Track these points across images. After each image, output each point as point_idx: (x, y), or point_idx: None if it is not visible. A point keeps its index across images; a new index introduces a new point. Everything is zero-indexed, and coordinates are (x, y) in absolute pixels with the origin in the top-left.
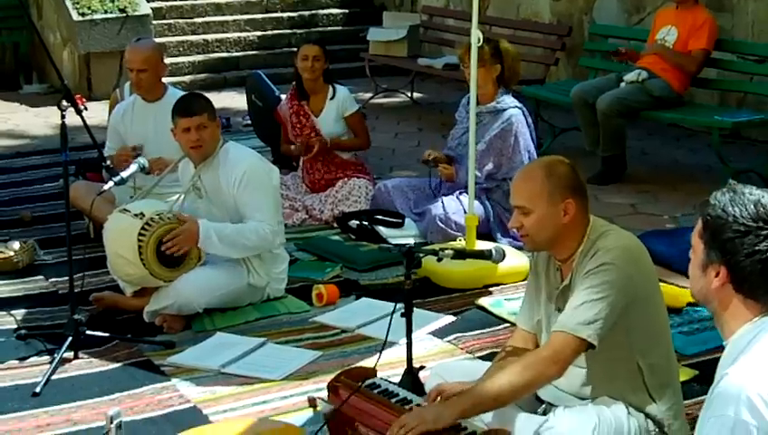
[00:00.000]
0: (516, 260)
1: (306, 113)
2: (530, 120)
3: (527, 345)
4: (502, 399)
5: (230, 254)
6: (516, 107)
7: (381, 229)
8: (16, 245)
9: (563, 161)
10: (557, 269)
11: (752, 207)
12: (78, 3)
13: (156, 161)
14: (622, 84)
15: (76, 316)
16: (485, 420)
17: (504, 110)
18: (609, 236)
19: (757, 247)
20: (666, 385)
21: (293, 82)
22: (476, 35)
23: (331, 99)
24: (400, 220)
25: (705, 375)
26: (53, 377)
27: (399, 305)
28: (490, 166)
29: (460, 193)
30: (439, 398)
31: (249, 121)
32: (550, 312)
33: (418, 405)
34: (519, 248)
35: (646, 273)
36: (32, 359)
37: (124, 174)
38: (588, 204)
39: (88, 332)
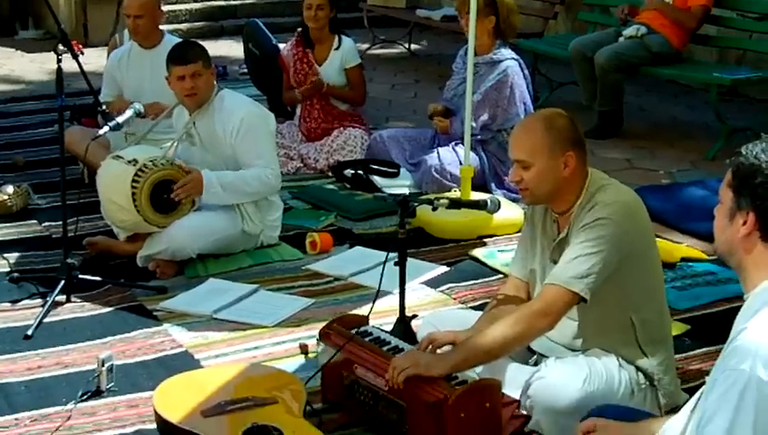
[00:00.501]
0: (511, 212)
1: (310, 61)
2: (526, 72)
3: (519, 293)
4: (494, 352)
5: (234, 201)
6: (513, 59)
7: (376, 179)
8: (10, 189)
9: (562, 114)
10: (554, 221)
11: None
12: None
13: (152, 106)
14: (621, 39)
15: (69, 260)
16: (477, 369)
17: (501, 61)
18: (608, 190)
19: None
20: (658, 340)
21: (299, 29)
22: None
23: (336, 49)
24: (396, 170)
25: (696, 330)
26: (45, 320)
27: (392, 254)
28: (485, 117)
29: (456, 144)
30: (431, 346)
31: (246, 70)
32: (545, 263)
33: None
34: (514, 200)
35: (642, 229)
36: (24, 302)
37: (119, 119)
38: (586, 156)
39: (81, 276)
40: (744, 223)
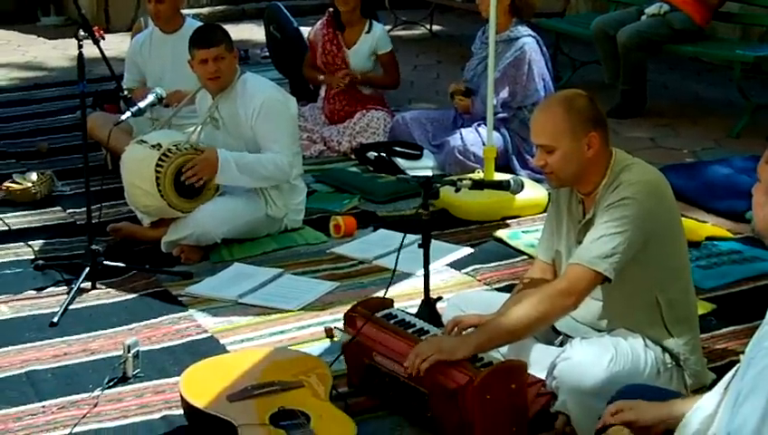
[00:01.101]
0: (534, 192)
1: (339, 43)
2: (544, 49)
3: (545, 276)
4: (518, 332)
5: (248, 183)
6: (529, 35)
7: (399, 161)
8: (34, 176)
9: (582, 94)
10: (579, 202)
11: None
12: None
13: (173, 94)
14: (643, 17)
15: (94, 247)
16: (502, 351)
17: (518, 38)
18: (633, 169)
19: None
20: (684, 320)
21: (331, 9)
22: None
23: (367, 33)
24: (419, 152)
25: (722, 309)
26: (71, 307)
27: (409, 236)
28: (505, 94)
29: (478, 125)
30: (456, 329)
31: (267, 53)
32: (571, 244)
33: (434, 335)
34: (538, 181)
35: (667, 208)
36: (49, 289)
37: (141, 104)
38: (609, 136)
39: (105, 262)
40: None
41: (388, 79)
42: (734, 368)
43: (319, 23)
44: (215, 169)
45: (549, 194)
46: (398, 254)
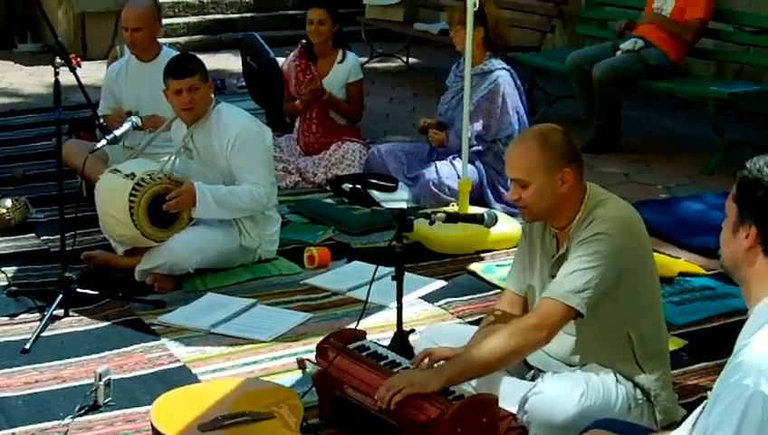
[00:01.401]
0: (508, 226)
1: (312, 74)
2: (518, 82)
3: (514, 308)
4: (489, 366)
5: (224, 215)
6: (503, 68)
7: (374, 193)
8: (8, 202)
9: (557, 129)
10: (553, 237)
11: None
12: None
13: (150, 118)
14: (618, 53)
15: (67, 274)
16: (473, 384)
17: (492, 71)
18: (607, 204)
19: None
20: (655, 356)
21: (303, 41)
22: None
23: (340, 62)
24: (393, 184)
25: (694, 345)
26: (43, 334)
27: (383, 268)
28: (479, 126)
29: (453, 158)
30: (426, 360)
31: (244, 83)
32: (544, 279)
33: (407, 368)
34: (512, 214)
35: (640, 244)
36: (22, 316)
37: (117, 132)
38: (583, 170)
39: (79, 290)
40: (747, 236)
41: (351, 108)
42: (702, 404)
43: (291, 54)
44: (193, 201)
45: (522, 227)
46: (370, 286)
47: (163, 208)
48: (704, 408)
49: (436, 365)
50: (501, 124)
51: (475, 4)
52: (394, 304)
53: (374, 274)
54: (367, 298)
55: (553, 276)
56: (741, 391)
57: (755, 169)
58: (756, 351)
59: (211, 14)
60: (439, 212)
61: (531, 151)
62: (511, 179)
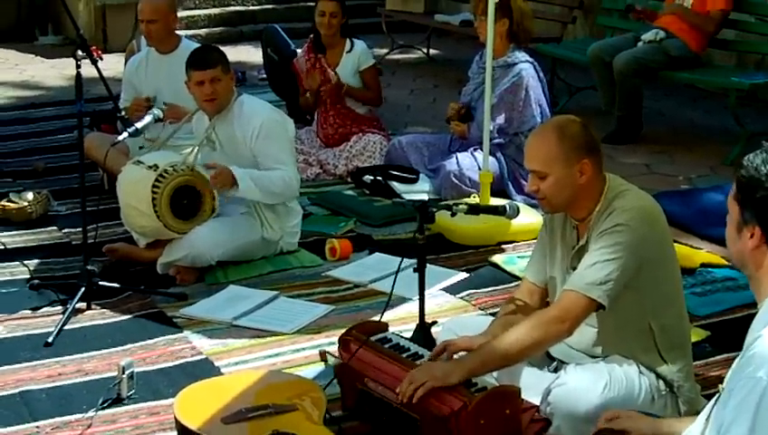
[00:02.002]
0: (530, 218)
1: (322, 66)
2: (541, 74)
3: (532, 298)
4: (511, 357)
5: (262, 197)
6: (527, 61)
7: (395, 185)
8: (30, 195)
9: (575, 120)
10: (573, 228)
11: None
12: None
13: (171, 108)
14: (639, 44)
15: (89, 267)
16: (495, 376)
17: (515, 64)
18: (626, 196)
19: None
20: (677, 346)
21: (311, 35)
22: None
23: (348, 52)
24: (415, 176)
25: (716, 336)
26: (66, 327)
27: (408, 260)
28: (501, 120)
29: (474, 149)
30: (445, 352)
31: (264, 75)
32: (565, 270)
33: (427, 362)
34: (533, 206)
35: (660, 235)
36: (44, 309)
37: (138, 125)
38: (602, 161)
39: (101, 282)
40: (752, 236)
41: (369, 94)
42: (715, 397)
43: (301, 50)
44: (231, 180)
45: (543, 218)
46: (396, 278)
47: (211, 184)
48: (717, 400)
49: (455, 356)
50: (523, 117)
51: None
52: (416, 296)
53: (399, 265)
54: (392, 290)
55: (574, 268)
56: (754, 384)
57: (752, 167)
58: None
59: (232, 5)
60: (461, 204)
61: (549, 143)
62: (530, 171)
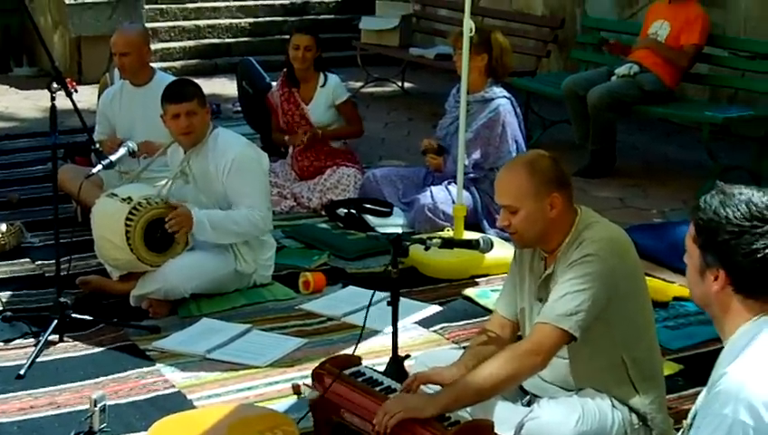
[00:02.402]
0: (503, 251)
1: (296, 101)
2: (518, 110)
3: (503, 332)
4: (485, 392)
5: (220, 240)
6: (504, 97)
7: (369, 218)
8: (3, 227)
9: (544, 155)
10: (542, 259)
11: (743, 206)
12: None
13: (144, 144)
14: (613, 78)
15: (62, 299)
16: (469, 410)
17: (493, 99)
18: (596, 227)
19: (754, 246)
20: (649, 378)
21: (284, 69)
22: (469, 25)
23: (322, 86)
24: (389, 209)
25: (690, 370)
26: (38, 360)
27: (381, 294)
28: (477, 155)
29: (449, 183)
30: (415, 384)
31: (239, 108)
32: (532, 302)
33: (400, 394)
34: (506, 240)
35: (630, 266)
36: (16, 341)
37: (113, 157)
38: (572, 194)
39: (74, 315)
40: (716, 279)
41: (351, 129)
42: (680, 432)
43: (275, 85)
44: (190, 223)
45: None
46: (368, 311)
47: (165, 227)
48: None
49: (425, 387)
50: (500, 153)
51: (471, 30)
52: (389, 330)
53: (371, 299)
54: (364, 324)
55: (540, 299)
56: (721, 421)
57: (711, 210)
58: (733, 379)
59: (207, 38)
60: (435, 238)
61: (520, 178)
62: (501, 206)
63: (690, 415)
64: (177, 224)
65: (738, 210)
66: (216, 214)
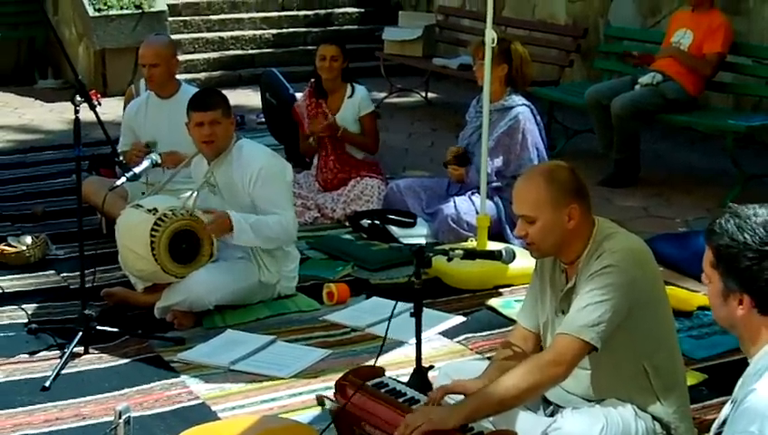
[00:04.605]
0: (527, 261)
1: (324, 111)
2: (538, 118)
3: (526, 344)
4: (507, 403)
5: (258, 243)
6: (524, 104)
7: (393, 229)
8: (28, 239)
9: (563, 166)
10: (562, 271)
11: (761, 230)
12: None
13: (169, 155)
14: (637, 87)
15: (87, 311)
16: (492, 420)
17: (512, 107)
18: (615, 238)
19: None
20: (672, 387)
21: (312, 79)
22: (491, 35)
23: (350, 97)
24: (412, 220)
25: (714, 379)
26: (63, 372)
27: (402, 304)
28: (499, 162)
29: (472, 193)
30: (440, 396)
31: (263, 119)
32: (554, 314)
33: (424, 406)
34: None
35: (650, 276)
36: (42, 353)
37: (137, 169)
38: (590, 205)
39: (98, 327)
40: (740, 303)
41: (367, 141)
42: None
43: (301, 95)
44: (229, 227)
45: (535, 263)
46: (389, 322)
47: (206, 228)
48: None
49: (448, 399)
50: (520, 160)
51: (493, 40)
52: (413, 341)
53: (393, 310)
54: (386, 335)
55: (563, 311)
56: None
57: (728, 236)
58: (761, 397)
59: (231, 50)
60: (457, 249)
61: (538, 188)
62: (518, 216)
63: (714, 428)
64: (216, 229)
65: (756, 234)
66: (249, 216)
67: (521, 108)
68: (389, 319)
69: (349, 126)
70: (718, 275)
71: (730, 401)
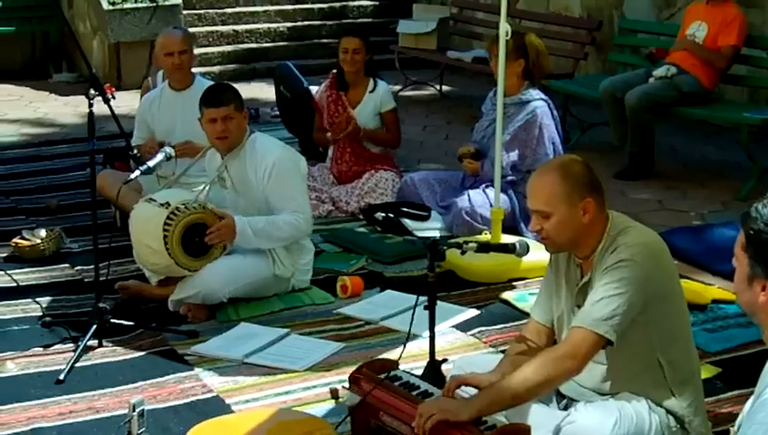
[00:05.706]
0: (540, 254)
1: (344, 104)
2: (555, 112)
3: (540, 338)
4: (521, 396)
5: (264, 246)
6: (541, 99)
7: (407, 222)
8: (43, 232)
9: (577, 160)
10: (577, 266)
11: None
12: None
13: (182, 145)
14: (651, 80)
15: (101, 304)
16: (505, 413)
17: (529, 102)
18: (630, 232)
19: None
20: (686, 381)
21: (334, 70)
22: (505, 28)
23: (371, 92)
24: (426, 213)
25: (728, 373)
26: (77, 365)
27: (423, 298)
28: (514, 156)
29: (486, 186)
30: (454, 386)
31: (277, 112)
32: (569, 308)
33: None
34: None
35: (665, 270)
36: (56, 346)
37: (151, 163)
38: (605, 200)
39: (112, 320)
40: (763, 289)
41: (388, 136)
42: None
43: (323, 85)
44: (233, 234)
45: (549, 257)
46: (413, 315)
47: (204, 240)
48: None
49: (462, 390)
50: (536, 155)
51: (507, 33)
52: (427, 334)
53: (416, 303)
54: (410, 329)
55: (578, 306)
56: (765, 429)
57: (762, 221)
58: None
59: (245, 43)
60: (471, 242)
61: (552, 182)
62: (532, 211)
63: (737, 423)
64: (218, 236)
65: None
66: (258, 221)
67: (538, 102)
68: (413, 312)
69: (367, 120)
70: (747, 258)
71: (753, 397)
